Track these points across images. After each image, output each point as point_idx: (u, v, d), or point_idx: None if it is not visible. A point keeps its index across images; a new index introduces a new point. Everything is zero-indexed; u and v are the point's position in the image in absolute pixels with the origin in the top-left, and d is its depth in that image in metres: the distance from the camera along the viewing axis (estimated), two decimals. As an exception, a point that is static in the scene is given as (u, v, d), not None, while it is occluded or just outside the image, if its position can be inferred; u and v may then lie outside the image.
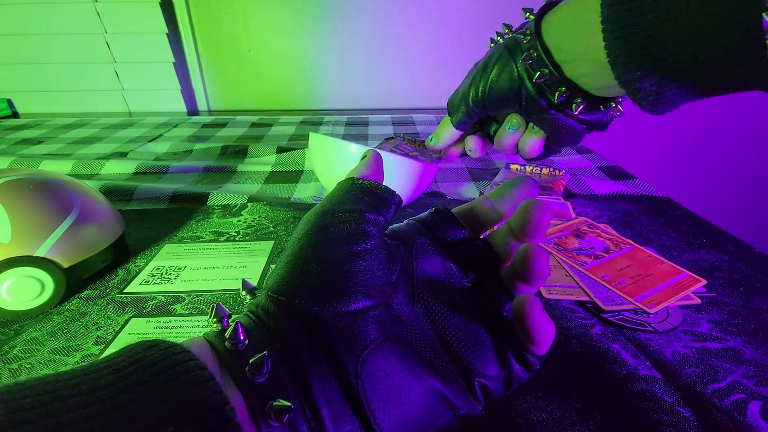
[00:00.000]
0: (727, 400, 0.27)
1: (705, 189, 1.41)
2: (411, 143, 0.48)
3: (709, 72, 0.22)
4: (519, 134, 0.36)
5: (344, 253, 0.20)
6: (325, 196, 0.23)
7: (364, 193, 0.23)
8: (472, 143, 0.40)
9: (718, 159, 1.36)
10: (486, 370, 0.21)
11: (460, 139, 0.42)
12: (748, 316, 0.34)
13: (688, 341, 0.32)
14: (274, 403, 0.16)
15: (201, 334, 0.20)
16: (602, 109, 0.32)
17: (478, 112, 0.37)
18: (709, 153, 1.35)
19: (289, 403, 0.16)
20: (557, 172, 0.59)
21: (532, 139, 0.36)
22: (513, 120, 0.36)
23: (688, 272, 0.39)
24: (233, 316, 0.20)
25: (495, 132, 0.39)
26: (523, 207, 0.23)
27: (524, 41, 0.31)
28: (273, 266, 0.25)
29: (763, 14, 0.18)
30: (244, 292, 0.22)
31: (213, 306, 0.20)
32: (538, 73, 0.30)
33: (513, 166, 0.63)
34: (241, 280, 0.24)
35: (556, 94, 0.30)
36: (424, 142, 0.45)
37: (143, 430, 0.13)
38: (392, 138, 0.49)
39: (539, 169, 0.61)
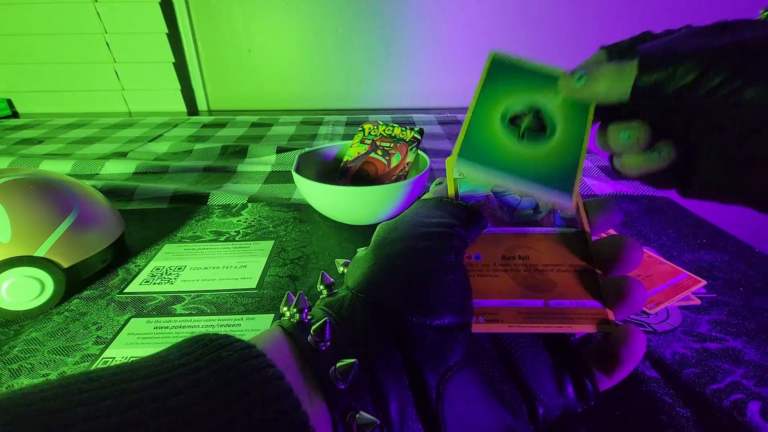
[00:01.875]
0: (727, 401, 0.27)
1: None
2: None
3: None
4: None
5: (437, 263, 0.19)
6: (409, 209, 0.23)
7: (457, 210, 0.22)
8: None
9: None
10: (548, 399, 0.20)
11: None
12: (747, 317, 0.34)
13: (688, 342, 0.32)
14: (357, 415, 0.16)
15: (277, 324, 0.19)
16: None
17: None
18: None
19: (374, 418, 0.16)
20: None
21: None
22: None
23: (687, 273, 0.39)
24: (312, 309, 0.20)
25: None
26: (615, 242, 0.21)
27: None
28: (345, 265, 0.24)
29: None
30: (321, 286, 0.22)
31: (295, 295, 0.19)
32: None
33: None
34: (320, 276, 0.22)
35: None
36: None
37: None
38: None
39: None
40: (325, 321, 0.17)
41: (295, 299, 0.19)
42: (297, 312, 0.18)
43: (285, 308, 0.19)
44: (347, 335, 0.18)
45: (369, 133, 0.56)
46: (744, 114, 0.19)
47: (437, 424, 0.17)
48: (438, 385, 0.17)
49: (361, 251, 0.23)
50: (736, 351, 0.31)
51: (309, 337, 0.17)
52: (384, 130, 0.56)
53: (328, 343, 0.17)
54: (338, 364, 0.16)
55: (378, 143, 0.55)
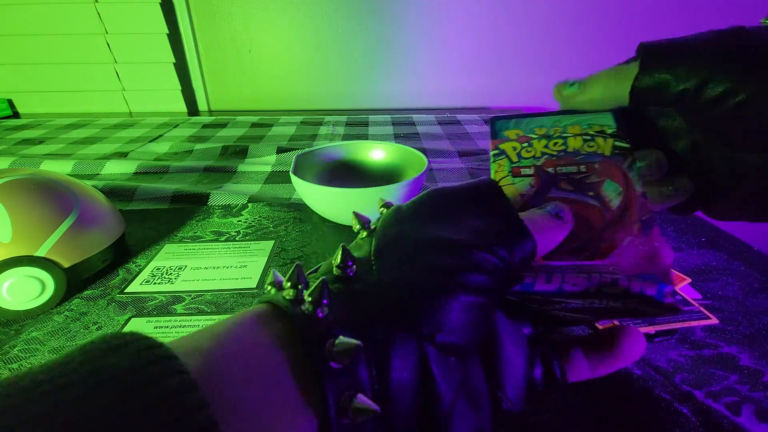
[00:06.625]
0: (721, 402, 0.27)
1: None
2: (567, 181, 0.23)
3: None
4: None
5: (454, 282, 0.17)
6: (451, 189, 0.20)
7: (499, 219, 0.19)
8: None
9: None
10: (512, 392, 0.20)
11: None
12: (744, 320, 0.34)
13: (683, 350, 0.32)
14: (335, 341, 0.14)
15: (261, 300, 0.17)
16: None
17: None
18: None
19: (374, 407, 0.14)
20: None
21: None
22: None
23: (673, 271, 0.39)
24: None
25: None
26: (614, 333, 0.21)
27: None
28: (386, 205, 0.22)
29: None
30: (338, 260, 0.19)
31: (293, 269, 0.17)
32: None
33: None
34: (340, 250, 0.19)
35: None
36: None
37: None
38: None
39: None
40: (323, 281, 0.15)
41: (290, 273, 0.16)
42: (291, 287, 0.16)
43: (269, 286, 0.17)
44: (350, 311, 0.16)
45: (519, 156, 0.25)
46: (753, 127, 0.18)
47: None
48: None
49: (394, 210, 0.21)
50: (731, 357, 0.31)
51: (303, 306, 0.15)
52: (552, 146, 0.24)
53: (326, 310, 0.15)
54: (336, 342, 0.14)
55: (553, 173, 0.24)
